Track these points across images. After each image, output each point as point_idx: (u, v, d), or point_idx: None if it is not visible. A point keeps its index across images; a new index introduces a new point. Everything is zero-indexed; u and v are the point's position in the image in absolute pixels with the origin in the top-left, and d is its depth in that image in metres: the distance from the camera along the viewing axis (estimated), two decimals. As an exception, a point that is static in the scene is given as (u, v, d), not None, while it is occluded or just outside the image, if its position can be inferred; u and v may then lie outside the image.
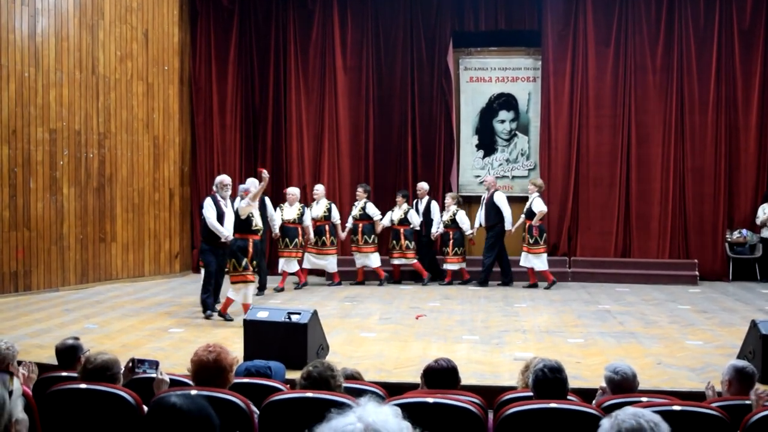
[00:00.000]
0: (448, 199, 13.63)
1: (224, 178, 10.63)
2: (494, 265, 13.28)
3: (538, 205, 13.04)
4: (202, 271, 10.74)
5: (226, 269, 10.41)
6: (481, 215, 13.45)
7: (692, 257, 14.15)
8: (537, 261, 12.96)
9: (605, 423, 2.42)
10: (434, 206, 13.76)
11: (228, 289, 10.28)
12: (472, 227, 13.43)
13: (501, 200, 13.29)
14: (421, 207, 13.78)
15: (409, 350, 8.47)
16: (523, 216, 13.20)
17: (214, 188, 10.57)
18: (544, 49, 14.70)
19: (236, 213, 10.47)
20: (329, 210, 13.34)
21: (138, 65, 14.04)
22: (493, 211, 13.25)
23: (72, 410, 4.39)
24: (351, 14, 15.04)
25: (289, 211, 12.97)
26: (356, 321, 9.97)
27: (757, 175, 14.28)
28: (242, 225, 10.40)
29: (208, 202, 10.42)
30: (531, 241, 12.90)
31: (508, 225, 13.16)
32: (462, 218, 13.41)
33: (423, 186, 13.92)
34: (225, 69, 15.18)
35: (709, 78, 14.24)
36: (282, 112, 15.16)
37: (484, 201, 13.50)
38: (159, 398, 2.78)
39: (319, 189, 13.51)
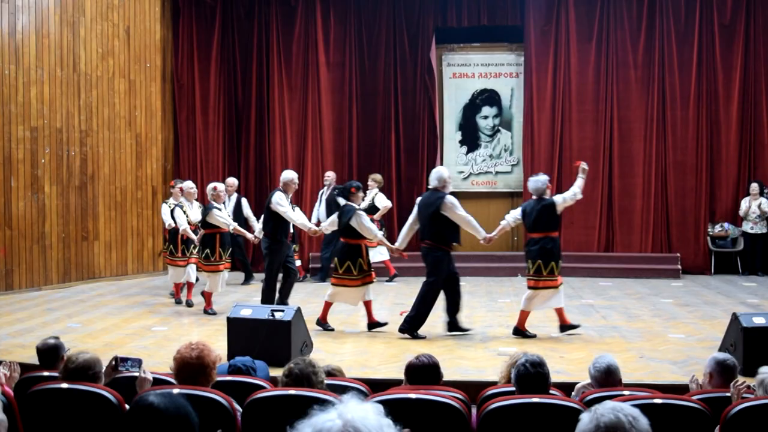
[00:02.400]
0: (370, 181, 13.33)
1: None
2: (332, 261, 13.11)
3: (381, 201, 13.08)
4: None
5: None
6: (321, 211, 13.30)
7: (674, 251, 14.24)
8: (377, 253, 12.82)
9: (585, 417, 2.43)
10: (380, 199, 13.44)
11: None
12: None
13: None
14: (367, 200, 13.44)
15: (393, 346, 8.47)
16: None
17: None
18: (526, 45, 14.74)
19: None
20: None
21: (120, 62, 13.97)
22: (336, 207, 13.15)
23: (53, 410, 4.37)
24: (334, 11, 15.02)
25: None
26: (341, 317, 9.97)
27: (738, 169, 14.38)
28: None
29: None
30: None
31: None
32: (381, 201, 13.15)
33: (375, 177, 13.72)
34: (207, 66, 15.12)
35: (691, 73, 14.33)
36: (265, 109, 15.13)
37: (325, 197, 13.42)
38: (138, 397, 2.78)
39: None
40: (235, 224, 10.90)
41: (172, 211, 11.27)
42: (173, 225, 11.15)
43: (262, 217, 10.32)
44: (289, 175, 10.23)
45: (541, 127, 14.69)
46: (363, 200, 12.27)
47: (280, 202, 9.79)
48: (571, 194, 9.18)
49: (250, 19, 15.16)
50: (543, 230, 8.96)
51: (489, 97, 15.16)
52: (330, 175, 13.85)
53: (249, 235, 11.02)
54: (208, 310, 10.44)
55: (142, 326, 9.75)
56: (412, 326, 8.91)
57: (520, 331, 8.92)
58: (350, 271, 9.21)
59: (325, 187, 13.74)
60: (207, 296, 10.52)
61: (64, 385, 4.42)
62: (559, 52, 14.66)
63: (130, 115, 14.14)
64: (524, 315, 8.95)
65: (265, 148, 15.15)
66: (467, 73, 15.22)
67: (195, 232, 10.97)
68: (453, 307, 9.06)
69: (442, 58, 15.22)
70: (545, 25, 14.68)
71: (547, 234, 8.95)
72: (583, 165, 9.57)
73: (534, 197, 9.15)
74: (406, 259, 10.34)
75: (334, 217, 9.71)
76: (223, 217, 10.59)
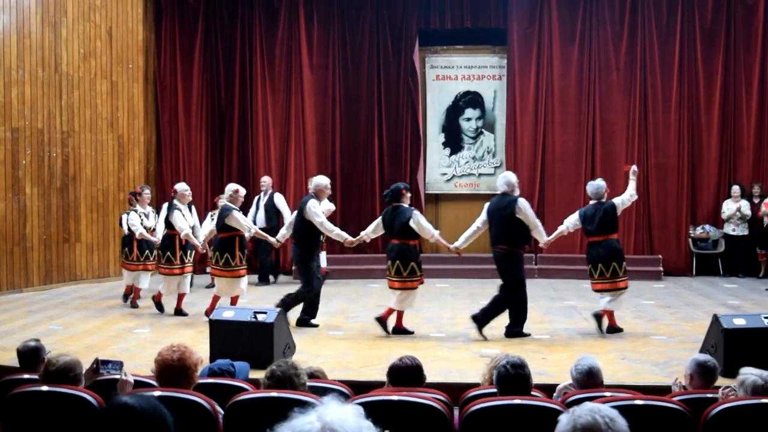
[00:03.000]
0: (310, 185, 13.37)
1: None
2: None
3: (325, 204, 12.91)
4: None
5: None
6: (260, 217, 13.24)
7: (656, 253, 14.32)
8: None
9: (563, 418, 2.44)
10: (279, 199, 13.46)
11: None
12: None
13: (280, 202, 13.38)
14: (263, 202, 13.49)
15: (376, 348, 8.48)
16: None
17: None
18: (509, 48, 14.79)
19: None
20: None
21: (102, 63, 13.91)
22: (273, 212, 13.30)
23: (34, 413, 4.34)
24: (317, 13, 15.01)
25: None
26: (323, 320, 9.95)
27: (719, 172, 14.49)
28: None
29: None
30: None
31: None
32: (325, 204, 13.07)
33: (266, 180, 13.74)
34: (190, 67, 15.08)
35: (672, 76, 14.43)
36: (248, 111, 15.10)
37: (262, 203, 13.41)
38: (111, 399, 2.75)
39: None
40: (255, 227, 10.56)
41: (120, 218, 11.63)
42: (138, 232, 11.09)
43: (289, 223, 10.07)
44: (322, 181, 9.93)
45: (524, 129, 14.74)
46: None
47: (316, 212, 9.56)
48: (627, 196, 9.38)
49: (233, 21, 15.12)
50: (607, 233, 9.17)
51: (472, 99, 15.20)
52: (267, 180, 13.73)
53: (272, 239, 10.40)
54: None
55: (124, 328, 9.71)
56: (517, 331, 9.01)
57: (613, 329, 9.18)
58: (414, 273, 9.15)
59: (262, 193, 13.62)
60: (234, 302, 9.90)
61: (45, 388, 4.40)
62: (541, 55, 14.72)
63: (112, 116, 14.07)
64: (610, 314, 9.20)
65: (248, 151, 15.11)
66: (450, 75, 15.25)
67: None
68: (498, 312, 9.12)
69: (425, 60, 15.25)
70: (528, 27, 14.74)
71: (609, 236, 9.16)
72: (633, 167, 9.73)
73: (593, 201, 9.36)
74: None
75: (378, 221, 9.54)
76: (245, 220, 10.17)
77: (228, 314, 7.91)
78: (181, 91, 15.03)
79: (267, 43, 15.05)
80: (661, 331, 9.42)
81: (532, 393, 4.58)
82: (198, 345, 7.40)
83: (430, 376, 5.64)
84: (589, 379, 4.87)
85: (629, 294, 11.75)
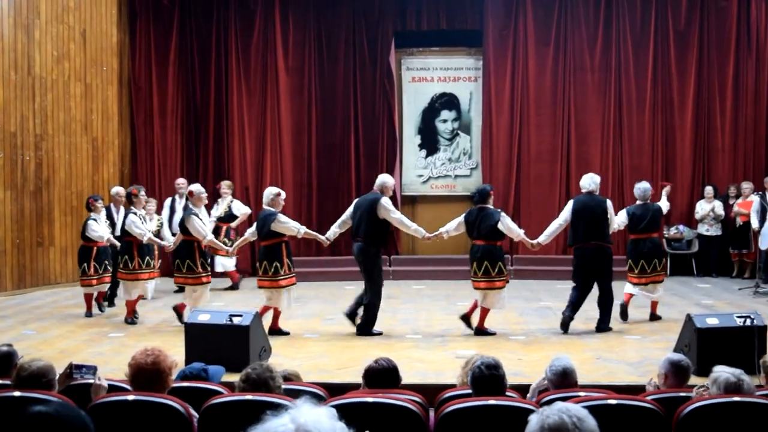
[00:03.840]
0: (224, 188, 13.27)
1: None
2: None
3: (240, 208, 13.17)
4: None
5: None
6: (175, 221, 12.37)
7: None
8: (227, 261, 13.04)
9: (533, 418, 2.46)
10: (237, 206, 13.23)
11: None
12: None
13: (241, 207, 13.25)
14: (222, 207, 13.18)
15: (352, 350, 8.47)
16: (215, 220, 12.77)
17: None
18: (485, 49, 14.84)
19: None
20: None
21: (76, 66, 13.80)
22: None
23: (5, 419, 4.30)
24: (292, 15, 14.99)
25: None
26: (299, 322, 9.94)
27: (693, 173, 14.63)
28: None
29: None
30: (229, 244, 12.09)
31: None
32: (240, 208, 13.16)
33: (228, 184, 13.59)
34: (165, 70, 14.99)
35: (646, 78, 14.55)
36: (223, 114, 15.03)
37: (180, 206, 12.71)
38: (26, 410, 2.70)
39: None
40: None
41: (87, 225, 10.66)
42: (150, 237, 10.26)
43: (342, 221, 9.70)
44: (390, 181, 9.70)
45: (500, 131, 14.80)
46: (217, 208, 12.86)
47: (392, 208, 9.39)
48: (666, 206, 10.61)
49: (208, 22, 15.06)
50: (653, 231, 10.06)
51: (448, 100, 15.24)
52: (182, 182, 13.15)
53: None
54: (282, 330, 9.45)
55: (98, 333, 9.64)
56: (606, 326, 9.44)
57: (655, 316, 10.11)
58: (502, 272, 9.30)
59: (177, 195, 13.14)
60: (277, 314, 9.48)
61: (17, 393, 4.36)
62: (517, 57, 14.78)
63: (86, 118, 13.97)
64: (654, 305, 10.16)
65: (223, 152, 15.05)
66: (426, 77, 15.28)
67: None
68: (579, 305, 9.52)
69: (401, 62, 15.27)
70: (503, 29, 14.80)
71: (652, 234, 10.10)
72: (667, 188, 11.02)
73: (639, 202, 10.23)
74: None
75: (461, 220, 9.54)
76: (292, 222, 9.64)
77: (203, 317, 7.87)
78: (156, 93, 14.95)
79: (242, 44, 15.00)
80: (635, 330, 9.48)
81: (507, 393, 4.60)
82: (173, 349, 7.36)
83: (407, 378, 5.66)
84: (563, 379, 4.89)
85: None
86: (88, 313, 10.72)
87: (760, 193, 13.27)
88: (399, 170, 15.00)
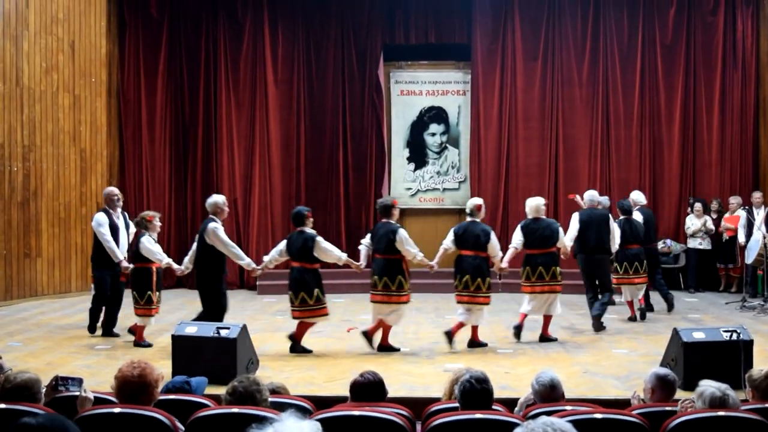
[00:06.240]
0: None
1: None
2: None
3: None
4: None
5: None
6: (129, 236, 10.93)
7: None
8: None
9: (518, 432, 2.47)
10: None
11: None
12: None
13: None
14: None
15: (340, 364, 8.46)
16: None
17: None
18: (473, 63, 14.91)
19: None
20: None
21: (64, 77, 13.78)
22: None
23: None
24: (282, 27, 15.02)
25: None
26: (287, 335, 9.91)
27: (680, 187, 14.71)
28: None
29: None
30: None
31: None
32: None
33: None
34: (154, 81, 15.00)
35: (634, 92, 14.64)
36: (212, 126, 15.03)
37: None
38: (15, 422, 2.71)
39: None
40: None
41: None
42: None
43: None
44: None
45: (488, 145, 14.85)
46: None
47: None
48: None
49: (197, 34, 15.07)
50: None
51: (436, 114, 15.29)
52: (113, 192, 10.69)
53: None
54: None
55: (86, 345, 9.59)
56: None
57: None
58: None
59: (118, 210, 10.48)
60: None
61: (2, 406, 4.34)
62: (505, 71, 14.85)
63: (74, 130, 13.94)
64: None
65: (212, 165, 15.03)
66: (415, 90, 15.33)
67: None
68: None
69: (389, 75, 15.31)
70: (491, 43, 14.87)
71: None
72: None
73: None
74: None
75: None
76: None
77: (191, 330, 7.85)
78: (144, 104, 14.94)
79: (231, 56, 15.02)
80: (622, 344, 9.50)
81: (494, 407, 4.61)
82: (159, 362, 7.34)
83: (394, 391, 5.66)
84: (550, 393, 4.90)
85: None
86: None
87: (747, 207, 13.34)
88: (387, 183, 15.03)
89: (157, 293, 9.49)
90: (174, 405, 4.64)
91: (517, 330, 9.66)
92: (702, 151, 14.70)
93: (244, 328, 7.81)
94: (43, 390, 4.71)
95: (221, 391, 4.72)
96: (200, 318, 9.01)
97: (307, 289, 8.93)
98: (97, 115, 14.35)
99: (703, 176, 14.72)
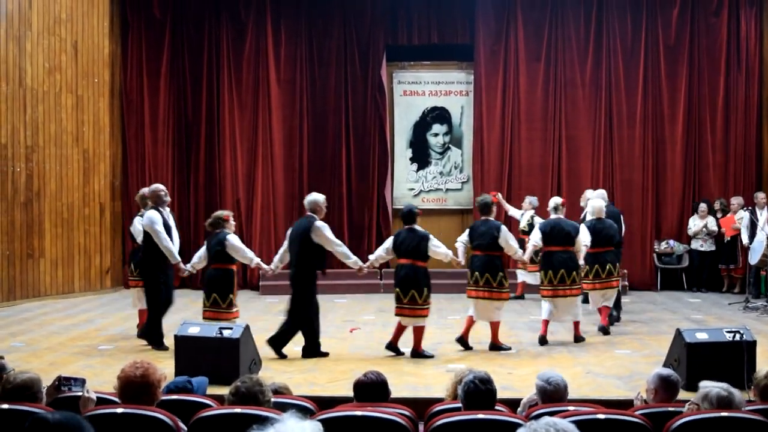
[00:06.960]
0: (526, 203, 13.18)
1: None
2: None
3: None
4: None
5: None
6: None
7: (621, 267, 14.38)
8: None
9: (520, 432, 2.47)
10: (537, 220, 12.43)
11: None
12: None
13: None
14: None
15: (343, 364, 8.45)
16: None
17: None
18: (476, 64, 14.89)
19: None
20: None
21: (67, 77, 13.80)
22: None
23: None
24: (284, 27, 15.02)
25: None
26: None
27: (684, 188, 14.68)
28: None
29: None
30: None
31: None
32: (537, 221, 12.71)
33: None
34: (157, 81, 15.00)
35: (637, 93, 14.61)
36: (215, 126, 15.03)
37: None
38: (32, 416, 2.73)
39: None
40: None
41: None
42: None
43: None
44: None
45: (491, 145, 14.83)
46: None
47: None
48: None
49: (200, 34, 15.07)
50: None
51: (439, 114, 15.28)
52: (159, 188, 10.19)
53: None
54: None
55: (89, 345, 9.60)
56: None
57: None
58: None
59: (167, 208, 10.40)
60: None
61: (4, 406, 4.34)
62: (508, 71, 14.84)
63: (77, 130, 13.95)
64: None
65: (215, 165, 15.03)
66: (417, 90, 15.33)
67: None
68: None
69: (392, 75, 15.30)
70: (494, 44, 14.86)
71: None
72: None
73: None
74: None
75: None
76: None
77: (193, 330, 7.84)
78: (147, 105, 14.95)
79: (234, 57, 15.02)
80: (625, 345, 9.49)
81: (497, 408, 4.60)
82: (162, 362, 7.34)
83: (397, 392, 5.65)
84: (553, 393, 4.89)
85: (594, 308, 11.87)
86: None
87: (750, 208, 13.32)
88: (390, 183, 15.03)
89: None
90: (176, 405, 4.64)
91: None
92: (705, 152, 14.68)
93: (247, 328, 7.80)
94: (44, 390, 4.71)
95: (224, 391, 4.71)
96: (288, 327, 8.84)
97: (418, 288, 8.85)
98: (100, 115, 14.37)
99: (706, 176, 14.70)
